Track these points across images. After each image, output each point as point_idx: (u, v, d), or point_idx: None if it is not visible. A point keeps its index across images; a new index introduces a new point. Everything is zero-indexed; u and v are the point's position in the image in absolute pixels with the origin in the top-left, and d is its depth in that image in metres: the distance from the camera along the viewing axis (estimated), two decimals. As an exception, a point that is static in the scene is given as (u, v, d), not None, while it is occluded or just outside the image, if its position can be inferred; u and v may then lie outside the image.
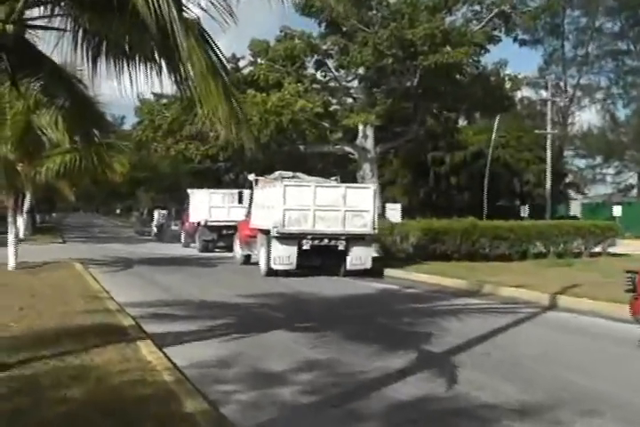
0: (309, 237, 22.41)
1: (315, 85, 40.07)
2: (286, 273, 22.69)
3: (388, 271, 24.01)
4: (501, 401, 8.05)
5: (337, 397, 8.15)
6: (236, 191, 34.05)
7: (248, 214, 26.98)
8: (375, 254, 25.58)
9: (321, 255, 22.92)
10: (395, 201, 49.98)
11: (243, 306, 15.64)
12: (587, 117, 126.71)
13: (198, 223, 36.70)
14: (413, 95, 38.49)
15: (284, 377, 8.97)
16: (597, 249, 30.46)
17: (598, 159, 63.09)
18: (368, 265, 23.14)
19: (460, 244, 27.09)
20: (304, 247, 22.42)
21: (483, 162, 53.77)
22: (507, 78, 41.59)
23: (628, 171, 60.72)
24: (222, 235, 34.60)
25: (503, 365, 10.09)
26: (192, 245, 38.97)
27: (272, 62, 39.71)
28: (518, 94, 53.10)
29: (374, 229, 23.09)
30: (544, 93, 60.15)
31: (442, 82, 37.57)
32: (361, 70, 39.27)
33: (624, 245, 31.46)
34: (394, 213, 24.97)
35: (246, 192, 29.41)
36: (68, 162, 21.89)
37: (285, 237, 22.33)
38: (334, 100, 41.45)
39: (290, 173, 26.30)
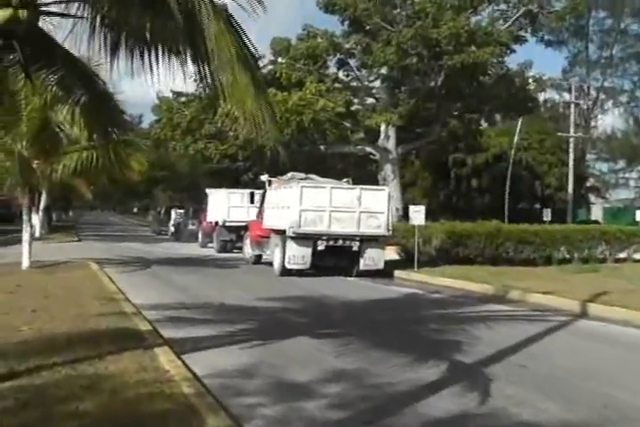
0: (324, 237, 22.69)
1: (336, 85, 39.55)
2: (300, 273, 22.82)
3: (411, 275, 23.61)
4: (544, 420, 7.49)
5: (368, 412, 7.60)
6: (257, 191, 33.68)
7: (259, 215, 27.24)
8: (396, 257, 25.85)
9: (335, 256, 23.21)
10: (414, 203, 49.56)
11: (262, 310, 15.09)
12: (610, 121, 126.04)
13: (216, 223, 36.27)
14: (437, 96, 37.91)
15: (310, 389, 8.43)
16: (622, 255, 29.71)
17: (621, 163, 62.16)
18: (381, 266, 23.41)
19: (483, 247, 26.53)
20: (319, 248, 22.71)
21: (504, 164, 53.22)
22: (531, 80, 40.88)
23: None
24: (240, 235, 34.08)
25: (540, 378, 9.51)
26: (209, 245, 38.57)
27: (293, 61, 39.25)
28: (541, 96, 52.39)
29: (388, 230, 23.32)
30: (567, 96, 59.27)
31: (466, 82, 37.02)
32: (384, 70, 38.76)
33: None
34: (417, 215, 24.37)
35: (257, 192, 29.46)
36: (84, 159, 21.45)
37: (301, 238, 22.52)
38: (356, 100, 40.86)
39: (302, 175, 26.33)
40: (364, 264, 23.18)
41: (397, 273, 24.39)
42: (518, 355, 10.92)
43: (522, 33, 38.43)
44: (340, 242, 22.82)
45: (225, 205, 35.54)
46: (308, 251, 22.59)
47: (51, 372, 8.15)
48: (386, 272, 23.68)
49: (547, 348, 11.79)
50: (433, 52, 34.05)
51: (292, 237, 22.50)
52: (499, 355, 10.83)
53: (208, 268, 26.12)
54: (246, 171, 51.33)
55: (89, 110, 9.87)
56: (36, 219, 44.28)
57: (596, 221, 53.81)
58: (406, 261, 26.05)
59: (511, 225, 29.32)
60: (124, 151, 21.58)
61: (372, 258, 23.18)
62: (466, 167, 57.39)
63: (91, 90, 9.53)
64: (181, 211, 52.14)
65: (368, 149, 41.47)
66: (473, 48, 34.13)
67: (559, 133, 54.75)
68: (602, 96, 63.85)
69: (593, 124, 64.60)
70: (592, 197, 65.37)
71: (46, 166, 22.24)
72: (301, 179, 25.23)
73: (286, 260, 22.64)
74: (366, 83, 41.43)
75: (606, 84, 64.33)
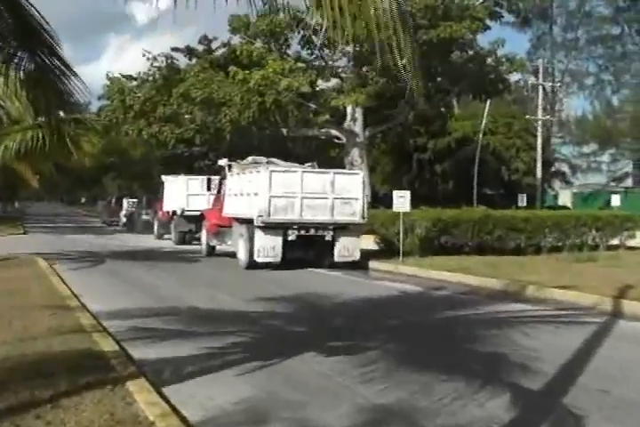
0: (296, 226, 20.79)
1: (299, 64, 36.87)
2: (267, 266, 20.79)
3: (398, 267, 21.24)
4: None
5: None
6: (214, 178, 31.39)
7: (216, 202, 25.41)
8: (370, 247, 24.35)
9: (305, 246, 21.28)
10: (376, 190, 47.41)
11: (245, 315, 12.59)
12: (575, 104, 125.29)
13: (174, 213, 33.72)
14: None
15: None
16: (614, 242, 27.66)
17: (591, 147, 60.50)
18: (356, 256, 21.50)
19: (471, 236, 24.31)
20: (289, 238, 20.78)
21: (468, 149, 51.34)
22: (504, 59, 38.60)
23: (624, 159, 58.13)
24: (201, 226, 31.56)
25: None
26: (166, 236, 36.11)
27: (253, 39, 36.71)
28: (511, 78, 50.35)
29: (364, 217, 21.44)
30: (532, 78, 57.33)
31: (439, 60, 34.71)
32: (349, 48, 36.19)
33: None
34: (401, 201, 22.07)
35: (214, 179, 27.28)
36: (29, 140, 18.56)
37: (271, 227, 20.62)
38: (320, 81, 38.29)
39: (264, 159, 24.37)
40: (338, 255, 21.21)
41: (373, 264, 22.43)
42: (589, 375, 8.54)
43: (497, 9, 36.12)
44: (313, 231, 20.91)
45: (183, 192, 32.92)
46: (278, 241, 20.59)
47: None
48: (359, 263, 21.63)
49: (613, 362, 9.44)
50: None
51: (260, 227, 20.52)
52: (566, 376, 8.51)
53: (169, 262, 23.60)
54: (202, 156, 48.65)
55: (35, 82, 8.13)
56: (-23, 210, 41.30)
57: (564, 207, 52.05)
58: (385, 252, 24.20)
59: (500, 211, 27.15)
60: (74, 131, 19.06)
61: (347, 248, 21.22)
62: (428, 152, 55.19)
63: (37, 58, 7.74)
64: (134, 200, 49.44)
65: (334, 132, 38.93)
66: (449, 23, 31.79)
67: (527, 117, 52.95)
68: (566, 79, 62.18)
69: (557, 107, 62.89)
70: (557, 182, 63.77)
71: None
72: (263, 163, 23.27)
73: (255, 252, 20.63)
74: (330, 62, 38.81)
75: (571, 66, 62.81)
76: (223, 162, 24.95)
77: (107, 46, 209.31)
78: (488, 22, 35.69)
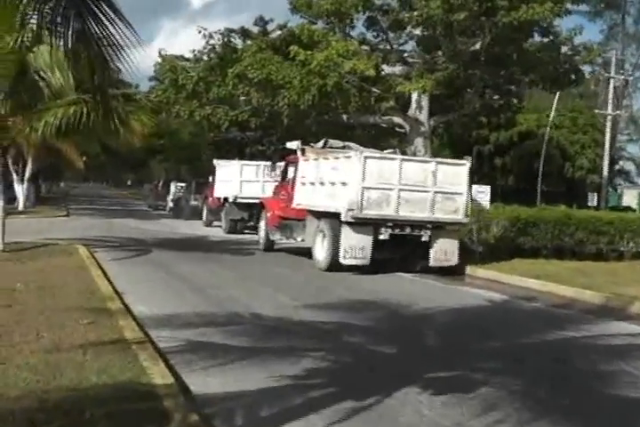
0: (390, 224, 17.87)
1: (364, 47, 34.71)
2: (350, 268, 17.84)
3: (477, 271, 19.00)
4: None
5: None
6: (279, 164, 29.67)
7: (280, 190, 22.71)
8: None
9: (397, 247, 18.46)
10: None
11: (320, 327, 10.57)
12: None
13: (225, 199, 31.87)
14: (480, 61, 33.11)
15: None
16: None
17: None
18: (454, 261, 18.53)
19: (551, 238, 22.12)
20: (381, 237, 17.85)
21: (531, 143, 49.08)
22: (582, 47, 35.95)
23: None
24: (254, 214, 29.66)
25: None
26: (215, 223, 34.44)
27: (315, 20, 34.55)
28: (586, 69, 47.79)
29: (467, 216, 18.65)
30: (602, 71, 54.64)
31: (514, 46, 32.27)
32: (418, 31, 33.88)
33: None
34: (482, 195, 19.94)
35: (279, 164, 24.77)
36: (72, 116, 16.64)
37: (361, 224, 17.66)
38: (384, 66, 36.01)
39: (339, 142, 21.94)
40: (434, 258, 18.31)
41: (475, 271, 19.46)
42: None
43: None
44: (408, 230, 18.05)
45: (236, 178, 31.02)
46: (368, 241, 17.69)
47: None
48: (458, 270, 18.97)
49: None
50: (485, 8, 29.20)
51: (349, 223, 17.65)
52: None
53: (221, 254, 21.42)
54: (256, 141, 46.66)
55: (80, 52, 7.26)
56: (20, 190, 39.72)
57: (629, 208, 49.41)
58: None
59: (581, 212, 24.95)
60: (122, 108, 17.16)
61: (445, 251, 18.28)
62: (489, 145, 52.89)
63: (83, 26, 6.86)
64: (182, 184, 47.67)
65: (397, 120, 36.58)
66: (531, 4, 29.36)
67: (596, 111, 50.36)
68: (637, 73, 59.25)
69: (626, 102, 60.00)
70: (620, 182, 61.11)
71: (25, 124, 17.39)
72: (339, 147, 20.82)
73: (341, 252, 17.66)
74: (396, 46, 36.53)
75: (642, 60, 59.85)
76: (294, 145, 21.82)
77: (159, 30, 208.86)
78: (569, 6, 33.19)
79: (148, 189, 66.08)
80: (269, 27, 41.55)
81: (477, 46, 32.52)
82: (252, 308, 11.78)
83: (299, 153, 21.09)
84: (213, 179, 34.61)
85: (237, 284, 15.21)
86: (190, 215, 40.32)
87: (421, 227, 18.12)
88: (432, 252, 18.27)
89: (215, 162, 34.78)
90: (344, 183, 18.09)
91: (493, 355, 9.56)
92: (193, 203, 41.61)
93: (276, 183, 23.90)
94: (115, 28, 6.83)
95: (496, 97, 38.80)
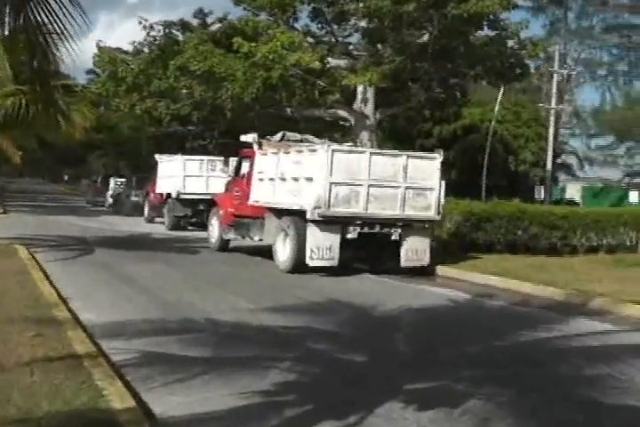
0: (358, 222, 16.79)
1: (309, 39, 34.09)
2: (315, 270, 16.82)
3: (436, 268, 18.35)
4: None
5: None
6: (217, 159, 29.01)
7: (234, 186, 21.35)
8: None
9: (365, 247, 17.50)
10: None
11: (281, 332, 9.89)
12: (587, 94, 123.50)
13: (168, 195, 30.96)
14: (427, 54, 32.68)
15: None
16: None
17: (606, 139, 57.92)
18: (426, 261, 17.59)
19: (505, 232, 21.79)
20: (349, 236, 16.77)
21: (474, 137, 48.93)
22: (528, 42, 35.72)
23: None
24: (198, 210, 28.94)
25: None
26: (157, 219, 33.54)
27: (257, 12, 33.80)
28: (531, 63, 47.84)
29: (439, 213, 17.72)
30: (545, 66, 54.98)
31: (462, 39, 31.93)
32: (363, 22, 33.35)
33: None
34: (437, 190, 19.32)
35: (232, 159, 23.56)
36: (9, 108, 15.76)
37: (329, 222, 16.56)
38: (329, 58, 35.39)
39: (297, 136, 20.95)
40: (405, 258, 17.25)
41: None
42: None
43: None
44: (377, 228, 17.03)
45: (180, 174, 30.14)
46: (336, 240, 16.57)
47: None
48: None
49: None
50: (434, -1, 28.72)
51: (315, 222, 16.51)
52: None
53: (167, 253, 20.50)
54: (197, 136, 45.76)
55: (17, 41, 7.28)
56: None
57: (572, 201, 49.58)
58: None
59: (535, 206, 24.81)
60: (63, 99, 16.35)
61: (416, 250, 17.27)
62: (432, 139, 52.69)
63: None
64: (122, 180, 46.49)
65: (342, 114, 36.02)
66: (478, -4, 28.99)
67: (540, 105, 50.58)
68: (579, 68, 59.47)
69: (568, 97, 60.26)
70: (562, 175, 61.43)
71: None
72: (297, 140, 19.90)
73: (307, 253, 16.49)
74: (341, 38, 35.95)
75: (584, 55, 60.21)
76: (250, 138, 20.44)
77: (97, 23, 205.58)
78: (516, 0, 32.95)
79: (85, 184, 64.57)
80: (209, 19, 40.90)
81: (425, 39, 32.12)
82: (207, 312, 11.07)
83: (255, 146, 19.90)
84: (155, 174, 33.66)
85: (188, 286, 14.42)
86: (131, 211, 39.27)
87: (391, 225, 17.16)
88: (403, 251, 17.26)
89: (157, 157, 33.92)
90: (309, 179, 17.01)
91: (471, 362, 8.96)
92: (133, 199, 40.50)
93: (229, 179, 22.76)
94: (62, 13, 6.50)
95: (441, 90, 38.59)
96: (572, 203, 47.62)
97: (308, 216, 16.46)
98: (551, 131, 48.93)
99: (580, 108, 57.52)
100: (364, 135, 35.41)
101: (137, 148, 54.92)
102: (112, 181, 48.14)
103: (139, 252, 20.27)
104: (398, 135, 50.99)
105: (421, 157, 18.32)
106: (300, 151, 17.92)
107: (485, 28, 32.73)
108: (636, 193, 41.16)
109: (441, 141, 52.10)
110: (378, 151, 18.11)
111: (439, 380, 7.84)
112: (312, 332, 9.97)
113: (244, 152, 21.43)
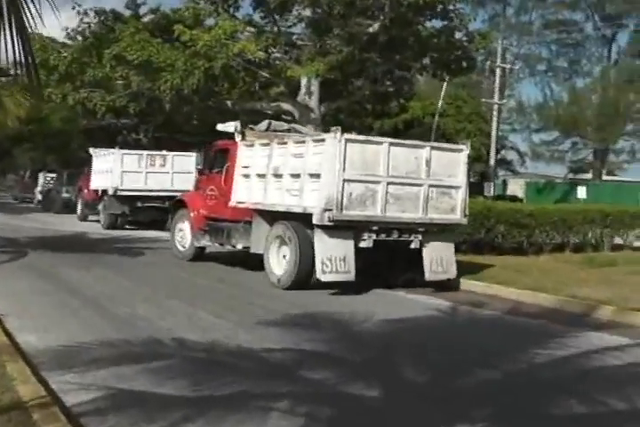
0: (375, 227, 14.06)
1: (251, 29, 32.59)
2: (325, 285, 13.88)
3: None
4: None
5: None
6: (157, 153, 27.69)
7: (207, 184, 18.36)
8: None
9: (381, 257, 14.69)
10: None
11: (264, 358, 8.33)
12: (526, 89, 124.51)
13: (103, 192, 29.14)
14: (376, 44, 31.41)
15: None
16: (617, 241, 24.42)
17: (549, 135, 57.50)
18: (453, 273, 14.89)
19: (472, 232, 20.53)
20: (362, 244, 14.02)
21: (416, 131, 48.05)
22: (477, 34, 34.80)
23: (585, 148, 55.03)
24: (137, 208, 27.27)
25: None
26: (91, 217, 31.97)
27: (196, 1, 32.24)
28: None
29: (465, 215, 15.12)
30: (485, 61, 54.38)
31: (410, 31, 30.87)
32: (308, 12, 32.01)
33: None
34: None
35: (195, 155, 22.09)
36: None
37: (341, 228, 13.72)
38: (273, 49, 33.92)
39: (284, 125, 18.70)
40: (430, 270, 14.52)
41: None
42: None
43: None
44: (395, 235, 14.29)
45: (117, 169, 28.27)
46: (350, 249, 13.69)
47: None
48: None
49: None
50: (385, -14, 27.48)
51: (325, 227, 13.62)
52: None
53: (108, 255, 18.69)
54: (131, 129, 43.79)
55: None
56: None
57: (515, 197, 48.79)
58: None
59: (501, 204, 23.56)
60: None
61: (440, 260, 14.63)
62: (373, 133, 51.72)
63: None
64: (52, 175, 44.36)
65: (286, 107, 34.56)
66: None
67: (483, 100, 50.03)
68: (518, 63, 59.11)
69: (508, 92, 59.89)
70: (502, 171, 61.16)
71: None
72: (284, 130, 17.48)
73: (318, 265, 13.54)
74: (284, 28, 34.46)
75: (523, 50, 59.91)
76: (231, 127, 17.19)
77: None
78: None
79: (12, 179, 62.22)
80: (142, 10, 39.37)
81: (375, 28, 30.92)
82: (171, 331, 9.42)
83: (237, 137, 16.80)
84: (89, 169, 31.78)
85: (141, 296, 12.56)
86: (61, 209, 37.47)
87: (411, 231, 14.48)
88: (427, 262, 14.52)
89: (92, 150, 32.02)
90: (315, 175, 14.06)
91: (492, 393, 7.46)
92: (64, 195, 38.64)
93: (199, 175, 20.27)
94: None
95: (388, 83, 37.65)
96: (515, 198, 46.81)
97: (316, 220, 13.59)
98: (494, 125, 48.65)
99: (524, 103, 56.85)
100: (309, 130, 33.99)
101: (67, 141, 52.57)
102: (41, 177, 46.19)
103: (77, 254, 18.42)
104: (342, 129, 49.86)
105: (446, 149, 15.42)
106: (300, 142, 15.19)
107: (436, 18, 31.92)
108: (584, 189, 40.17)
109: (382, 136, 51.13)
110: (397, 142, 14.88)
111: (466, 421, 6.38)
112: (300, 355, 8.41)
113: (221, 143, 18.45)
